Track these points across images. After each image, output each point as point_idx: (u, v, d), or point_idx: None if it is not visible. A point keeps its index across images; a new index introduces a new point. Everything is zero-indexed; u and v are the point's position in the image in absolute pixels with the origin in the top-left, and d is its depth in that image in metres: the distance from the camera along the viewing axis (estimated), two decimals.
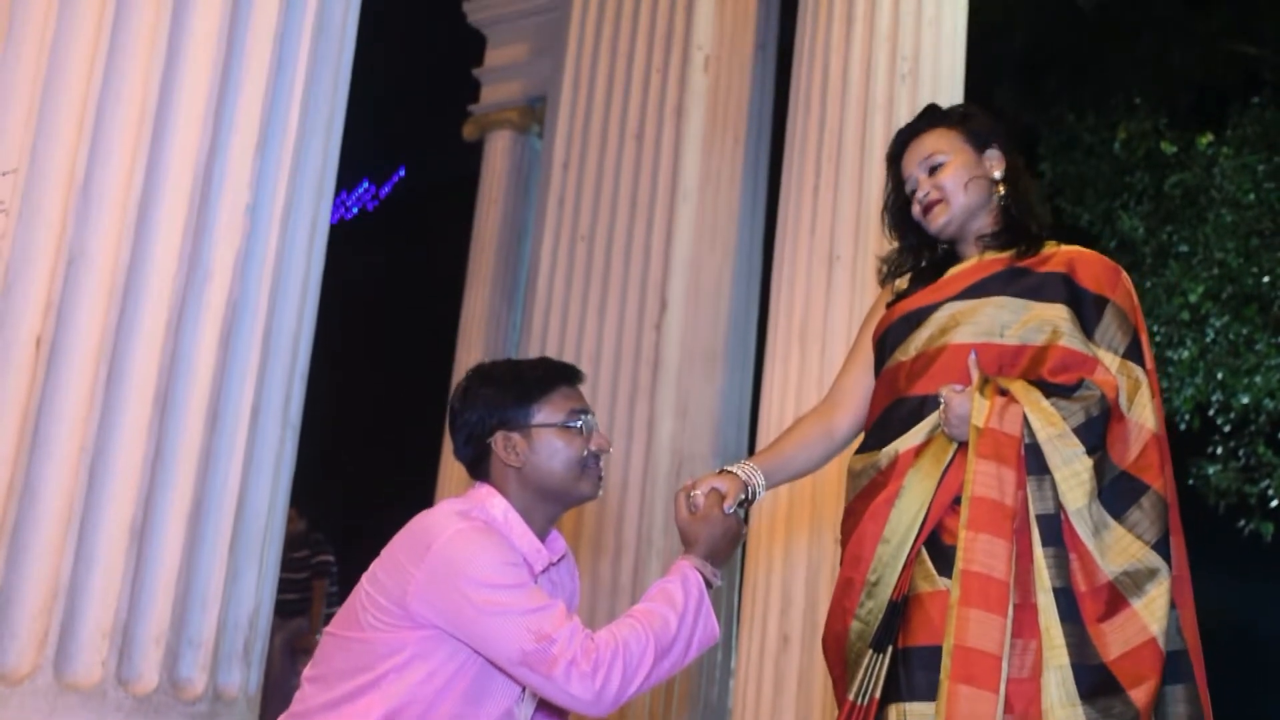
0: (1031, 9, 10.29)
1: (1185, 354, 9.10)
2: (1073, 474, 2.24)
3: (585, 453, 2.33)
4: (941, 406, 2.34)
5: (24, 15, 2.28)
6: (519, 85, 8.78)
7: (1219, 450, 9.34)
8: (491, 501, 2.30)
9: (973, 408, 2.29)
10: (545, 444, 2.30)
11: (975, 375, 2.34)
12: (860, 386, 2.62)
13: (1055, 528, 2.24)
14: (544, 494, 2.32)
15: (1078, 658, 2.17)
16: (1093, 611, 2.20)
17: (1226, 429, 9.33)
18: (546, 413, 2.32)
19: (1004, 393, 2.31)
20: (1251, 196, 8.86)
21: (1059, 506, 2.24)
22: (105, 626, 2.18)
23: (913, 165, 2.56)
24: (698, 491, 2.39)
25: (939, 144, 2.54)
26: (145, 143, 2.29)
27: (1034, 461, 2.26)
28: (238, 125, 2.41)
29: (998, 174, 2.53)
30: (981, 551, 2.20)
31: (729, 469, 2.46)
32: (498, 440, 2.31)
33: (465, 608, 2.11)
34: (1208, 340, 9.10)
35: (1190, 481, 9.33)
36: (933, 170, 2.52)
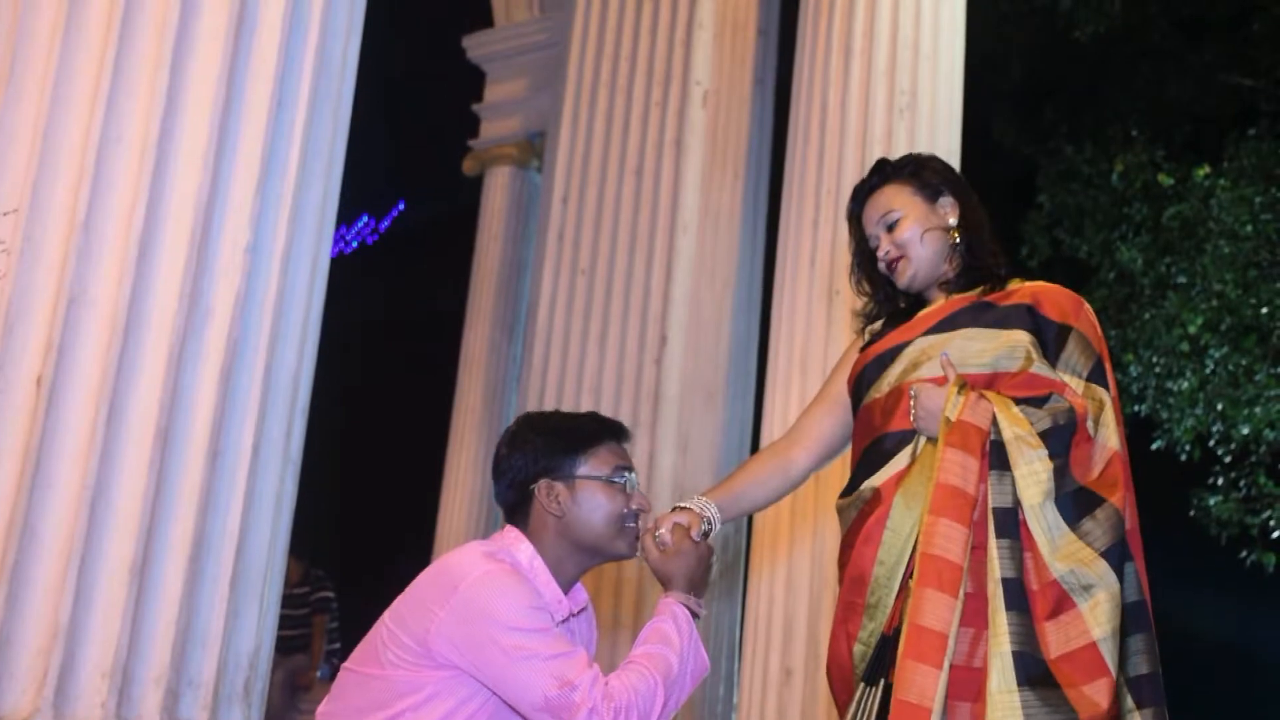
0: (1029, 41, 10.35)
1: (1185, 385, 9.11)
2: (1031, 473, 2.30)
3: (625, 510, 2.35)
4: (912, 398, 2.40)
5: (25, 55, 2.29)
6: (518, 120, 8.82)
7: (1220, 481, 9.32)
8: (519, 546, 2.31)
9: (946, 402, 2.34)
10: (588, 496, 2.33)
11: (951, 374, 2.40)
12: (822, 426, 2.69)
13: (1012, 521, 2.29)
14: (579, 546, 2.34)
15: (1019, 646, 2.20)
16: (1041, 609, 2.25)
17: (1227, 460, 9.31)
18: (592, 465, 2.35)
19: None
20: (1249, 228, 8.89)
21: (1016, 502, 2.30)
22: (105, 667, 2.17)
23: (871, 223, 2.64)
24: (663, 530, 2.42)
25: (892, 200, 2.61)
26: (146, 182, 2.29)
27: (996, 458, 2.32)
28: (238, 164, 2.41)
29: (952, 220, 2.60)
30: (941, 535, 2.25)
31: (682, 504, 2.51)
32: (541, 488, 2.33)
33: (492, 650, 2.12)
34: (1207, 371, 9.10)
35: (1191, 512, 9.32)
36: (890, 227, 2.60)
